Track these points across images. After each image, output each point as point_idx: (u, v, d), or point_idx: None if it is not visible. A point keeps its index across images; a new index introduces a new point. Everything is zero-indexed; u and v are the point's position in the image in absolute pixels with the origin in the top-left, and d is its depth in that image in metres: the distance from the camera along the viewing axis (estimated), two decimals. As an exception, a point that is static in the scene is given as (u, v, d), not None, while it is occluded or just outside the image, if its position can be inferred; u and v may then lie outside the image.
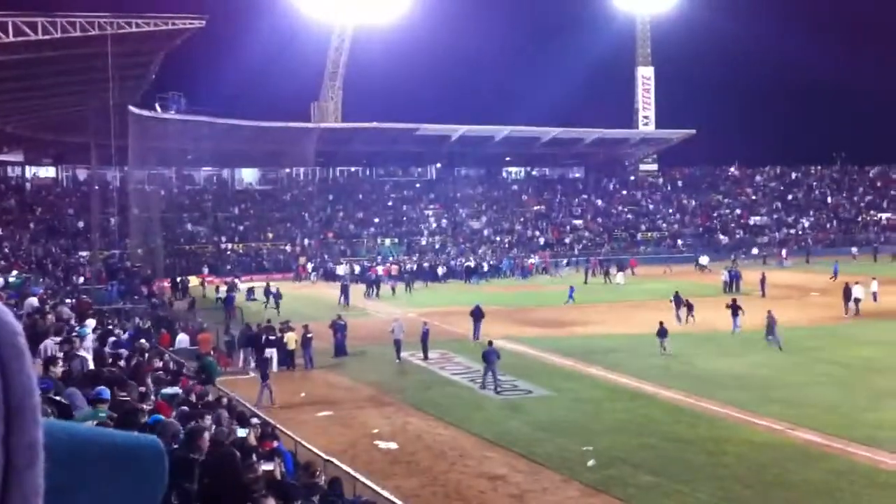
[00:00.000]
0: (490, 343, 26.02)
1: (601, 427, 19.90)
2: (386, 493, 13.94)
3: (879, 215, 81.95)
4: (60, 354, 16.11)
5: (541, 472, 16.63)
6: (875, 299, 39.25)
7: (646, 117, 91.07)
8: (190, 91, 68.96)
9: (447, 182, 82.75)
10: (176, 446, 11.27)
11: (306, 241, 67.18)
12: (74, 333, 19.24)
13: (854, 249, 67.52)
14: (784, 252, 65.53)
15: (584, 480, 15.96)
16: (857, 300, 36.73)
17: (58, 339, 15.98)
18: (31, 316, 20.07)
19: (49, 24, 40.80)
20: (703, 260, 61.74)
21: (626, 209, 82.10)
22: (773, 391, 22.70)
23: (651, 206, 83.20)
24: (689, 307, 35.61)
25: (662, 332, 28.78)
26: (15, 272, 29.35)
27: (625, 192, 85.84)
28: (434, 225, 74.92)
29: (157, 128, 60.99)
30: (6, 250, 38.72)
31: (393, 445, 18.82)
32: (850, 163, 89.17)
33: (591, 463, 16.89)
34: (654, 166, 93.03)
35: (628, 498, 15.00)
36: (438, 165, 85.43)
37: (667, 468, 16.56)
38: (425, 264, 60.19)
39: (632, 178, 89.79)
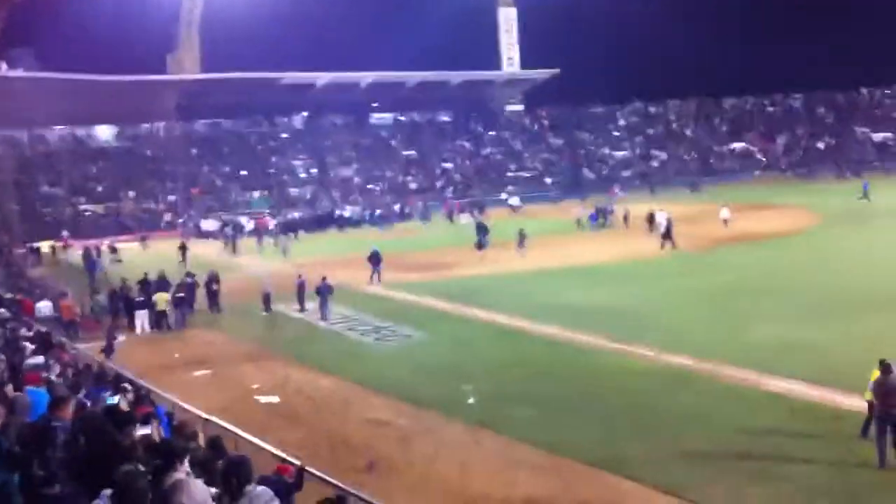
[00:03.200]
0: (324, 279, 27.60)
1: (480, 366, 20.19)
2: (269, 447, 13.81)
3: (734, 146, 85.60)
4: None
5: (424, 415, 16.77)
6: (726, 225, 41.64)
7: (510, 58, 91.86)
8: (38, 46, 65.25)
9: (314, 131, 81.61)
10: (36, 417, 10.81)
11: (171, 198, 65.11)
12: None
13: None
14: (616, 188, 67.38)
15: (467, 419, 16.20)
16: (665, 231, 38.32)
17: None
18: None
19: None
20: (514, 201, 63.25)
21: (494, 151, 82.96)
22: (643, 320, 23.48)
23: (519, 147, 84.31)
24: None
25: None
26: None
27: (493, 134, 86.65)
28: (303, 175, 73.85)
29: (3, 86, 57.61)
30: None
31: (274, 399, 18.62)
32: (708, 95, 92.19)
33: (471, 401, 17.15)
34: (521, 107, 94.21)
35: (510, 431, 15.31)
36: (305, 114, 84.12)
37: (546, 401, 16.96)
38: (296, 215, 59.48)
39: (499, 119, 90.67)
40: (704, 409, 15.79)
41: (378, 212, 61.77)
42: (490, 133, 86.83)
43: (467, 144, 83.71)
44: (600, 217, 48.54)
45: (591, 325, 23.11)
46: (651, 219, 41.28)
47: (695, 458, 13.38)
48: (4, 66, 61.82)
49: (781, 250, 35.53)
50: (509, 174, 77.86)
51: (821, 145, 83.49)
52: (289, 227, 53.59)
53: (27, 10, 50.94)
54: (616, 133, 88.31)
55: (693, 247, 37.45)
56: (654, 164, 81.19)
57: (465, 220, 53.84)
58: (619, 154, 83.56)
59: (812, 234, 39.66)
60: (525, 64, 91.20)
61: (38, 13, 58.49)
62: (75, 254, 43.04)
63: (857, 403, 13.88)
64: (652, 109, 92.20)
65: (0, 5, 45.80)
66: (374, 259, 33.70)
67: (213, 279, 30.55)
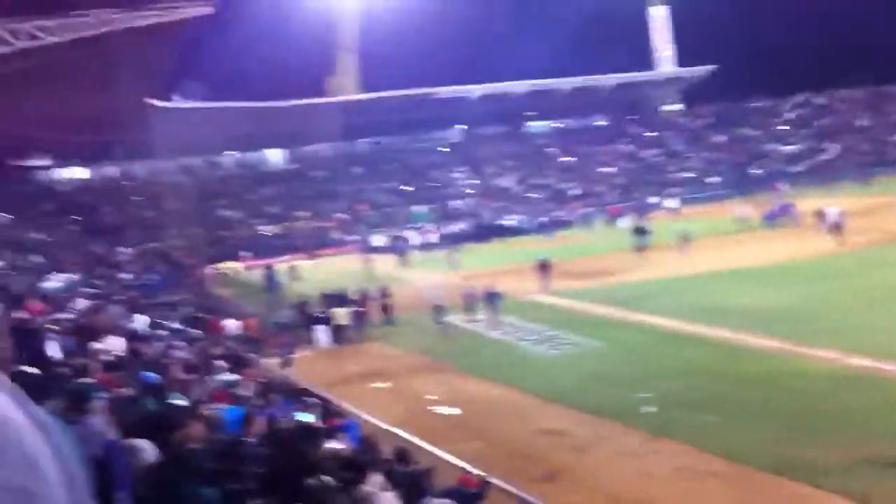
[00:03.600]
0: (492, 288, 28.71)
1: (653, 372, 19.96)
2: (450, 458, 14.18)
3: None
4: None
5: (599, 424, 16.77)
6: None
7: (664, 58, 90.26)
8: (205, 78, 69.31)
9: (471, 143, 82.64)
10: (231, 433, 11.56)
11: (339, 216, 67.45)
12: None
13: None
14: (780, 184, 64.40)
15: (644, 427, 16.09)
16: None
17: (119, 337, 16.44)
18: (84, 316, 20.53)
19: (58, 27, 41.16)
20: (672, 203, 61.48)
21: (654, 152, 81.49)
22: (818, 321, 22.57)
23: (679, 147, 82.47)
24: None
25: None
26: (63, 275, 29.89)
27: (651, 135, 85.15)
28: (463, 187, 74.90)
29: (178, 117, 61.51)
30: (50, 254, 39.33)
31: (450, 410, 19.06)
32: (879, 82, 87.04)
33: (647, 408, 17.02)
34: (679, 106, 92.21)
35: (690, 440, 15.10)
36: (461, 127, 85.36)
37: (723, 408, 16.62)
38: (459, 227, 60.46)
39: (657, 120, 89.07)
40: (890, 413, 15.10)
41: (539, 220, 61.90)
42: (648, 134, 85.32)
43: (625, 147, 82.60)
44: (782, 215, 46.50)
45: (765, 327, 22.42)
46: (821, 215, 39.42)
47: (880, 465, 12.82)
48: (179, 98, 65.90)
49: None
50: (670, 175, 76.20)
51: None
52: (454, 239, 54.48)
53: (194, 45, 54.20)
54: (781, 127, 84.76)
55: (868, 243, 35.59)
56: (824, 157, 77.40)
57: (626, 224, 53.16)
58: (786, 149, 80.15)
59: None
60: (680, 62, 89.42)
61: (205, 47, 61.99)
62: (255, 274, 45.33)
63: None
64: (818, 101, 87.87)
65: (171, 42, 48.89)
66: (542, 267, 33.89)
67: (386, 293, 31.60)
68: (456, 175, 77.21)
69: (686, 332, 23.85)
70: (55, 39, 40.68)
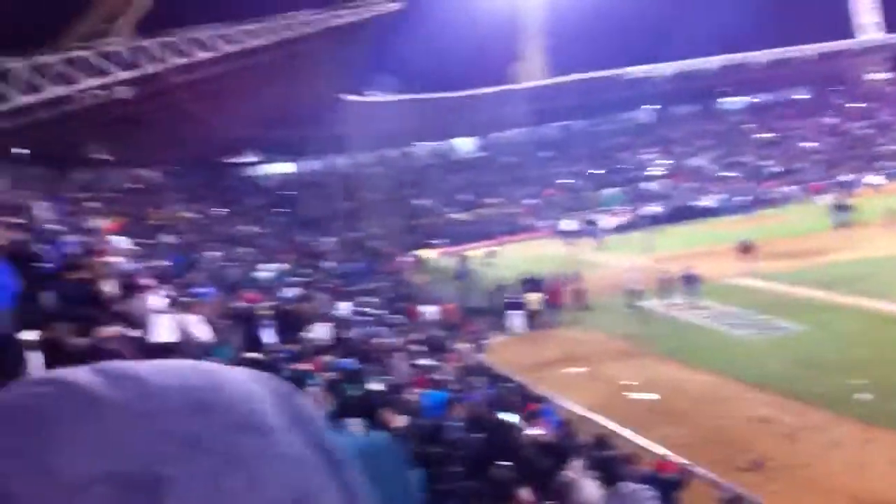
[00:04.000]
0: (689, 270, 28.43)
1: (866, 358, 18.82)
2: (648, 444, 14.01)
3: None
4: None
5: (809, 411, 16.02)
6: None
7: (870, 24, 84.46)
8: (396, 71, 71.49)
9: (662, 123, 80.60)
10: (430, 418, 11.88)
11: (528, 201, 67.62)
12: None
13: None
14: None
15: (860, 416, 15.23)
16: None
17: (325, 324, 17.33)
18: (293, 304, 21.72)
19: (262, 30, 43.60)
20: (876, 179, 56.34)
21: (859, 125, 76.43)
22: None
23: (887, 118, 76.88)
24: None
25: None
26: (273, 265, 31.68)
27: (856, 107, 79.88)
28: (655, 168, 73.17)
29: (375, 111, 63.74)
30: (260, 245, 41.74)
31: (650, 396, 18.76)
32: None
33: (862, 396, 16.09)
34: (889, 75, 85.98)
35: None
36: (651, 107, 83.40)
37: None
38: (653, 209, 59.15)
39: (862, 91, 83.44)
40: None
41: (737, 200, 59.56)
42: (853, 106, 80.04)
43: (828, 121, 77.90)
44: None
45: None
46: None
47: None
48: (372, 92, 68.24)
49: None
50: (878, 149, 71.23)
51: None
52: (647, 222, 53.42)
53: (385, 39, 55.96)
54: None
55: None
56: None
57: (828, 201, 50.22)
58: None
59: None
60: (889, 28, 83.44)
61: (395, 41, 63.73)
62: (449, 260, 46.31)
63: None
64: None
65: (364, 39, 50.72)
66: (743, 249, 32.68)
67: (579, 277, 31.48)
68: (647, 156, 75.51)
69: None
70: (259, 42, 43.10)
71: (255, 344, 14.87)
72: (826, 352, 20.03)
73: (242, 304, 18.57)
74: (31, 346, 7.72)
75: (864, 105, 79.85)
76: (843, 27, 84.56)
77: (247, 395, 0.72)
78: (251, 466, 0.66)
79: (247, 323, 15.87)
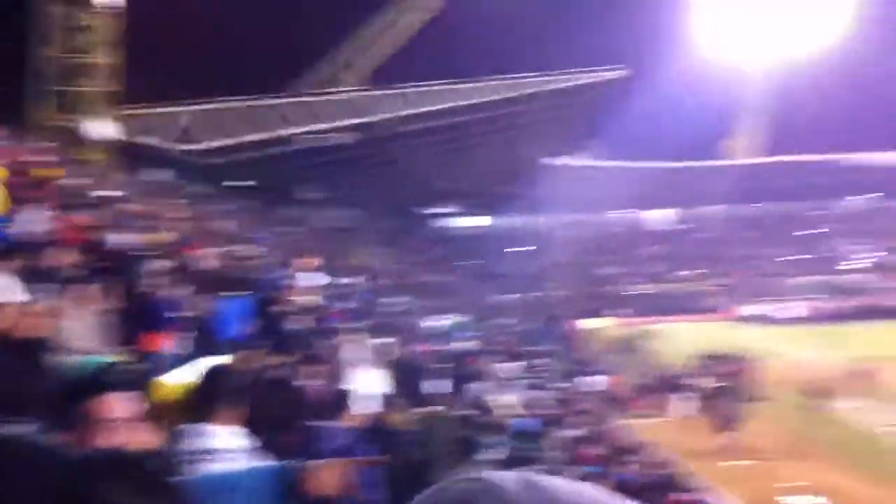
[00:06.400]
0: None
1: None
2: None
3: None
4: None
5: None
6: None
7: None
8: (607, 137, 71.90)
9: (878, 214, 76.25)
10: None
11: (718, 281, 65.69)
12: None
13: None
14: None
15: None
16: None
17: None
18: (460, 359, 22.15)
19: (483, 88, 45.30)
20: None
21: None
22: None
23: None
24: None
25: None
26: (452, 316, 32.43)
27: None
28: (862, 261, 69.19)
29: (576, 175, 64.42)
30: (442, 295, 42.83)
31: (813, 500, 17.87)
32: None
33: None
34: None
35: None
36: (870, 196, 79.26)
37: None
38: (852, 303, 56.04)
39: None
40: None
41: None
42: None
43: None
44: None
45: None
46: None
47: None
48: (585, 156, 68.88)
49: None
50: None
51: None
52: (841, 316, 50.70)
53: (604, 105, 56.48)
54: None
55: None
56: None
57: None
58: None
59: None
60: None
61: (611, 109, 64.06)
62: (628, 332, 45.72)
63: None
64: None
65: (584, 103, 51.33)
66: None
67: (756, 364, 30.29)
68: (850, 247, 71.61)
69: None
70: (480, 99, 44.80)
71: (418, 394, 15.36)
72: None
73: (411, 353, 19.18)
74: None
75: None
76: None
77: None
78: None
79: (412, 373, 16.40)
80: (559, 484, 0.86)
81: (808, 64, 76.80)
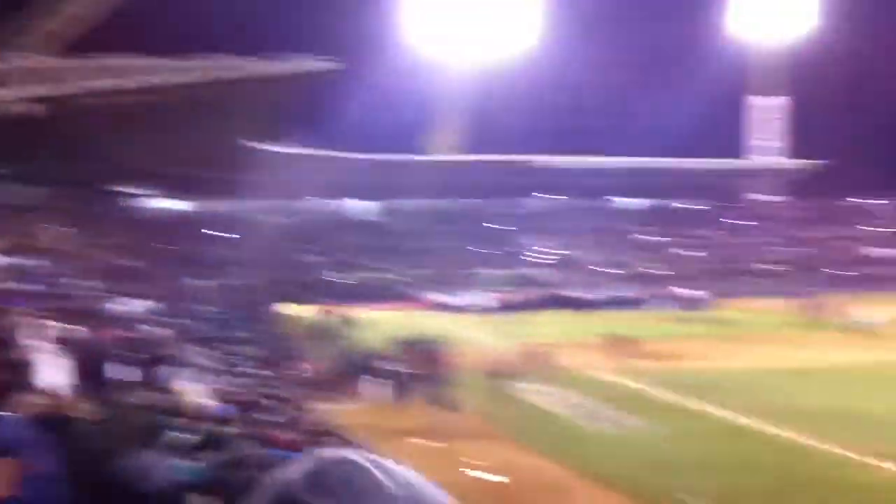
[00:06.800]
0: (550, 357, 29.37)
1: (710, 465, 19.53)
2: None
3: None
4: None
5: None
6: None
7: (766, 147, 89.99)
8: (312, 126, 71.79)
9: (558, 213, 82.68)
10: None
11: (413, 271, 68.04)
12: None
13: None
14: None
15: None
16: None
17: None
18: (150, 344, 21.16)
19: (184, 67, 43.20)
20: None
21: (742, 242, 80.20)
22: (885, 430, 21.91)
23: (772, 240, 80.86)
24: None
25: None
26: (145, 301, 30.91)
27: (743, 224, 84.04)
28: (542, 256, 74.87)
29: (278, 161, 63.60)
30: (131, 278, 40.65)
31: (497, 479, 18.88)
32: None
33: (698, 501, 16.62)
34: (778, 198, 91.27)
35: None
36: (551, 196, 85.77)
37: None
38: (532, 294, 60.46)
39: (752, 210, 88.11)
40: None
41: (614, 296, 61.32)
42: (739, 223, 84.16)
43: (713, 234, 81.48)
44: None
45: (835, 432, 21.76)
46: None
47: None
48: (291, 144, 68.18)
49: None
50: (756, 266, 74.75)
51: None
52: (524, 306, 54.53)
53: (309, 93, 56.19)
54: (884, 229, 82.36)
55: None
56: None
57: (701, 309, 52.53)
58: (880, 252, 77.64)
59: None
60: (789, 153, 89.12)
61: (320, 97, 63.94)
62: (324, 318, 45.98)
63: None
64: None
65: (285, 91, 50.66)
66: (613, 344, 33.71)
67: (447, 351, 31.62)
68: (535, 243, 77.25)
69: (748, 428, 23.35)
70: (181, 79, 42.63)
71: (98, 378, 14.40)
72: (669, 453, 20.65)
73: (98, 338, 18.07)
74: None
75: (747, 223, 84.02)
76: (739, 148, 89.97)
77: None
78: None
79: (93, 356, 15.37)
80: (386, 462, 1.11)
81: (507, 67, 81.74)
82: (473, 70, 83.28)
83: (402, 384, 28.82)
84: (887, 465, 18.96)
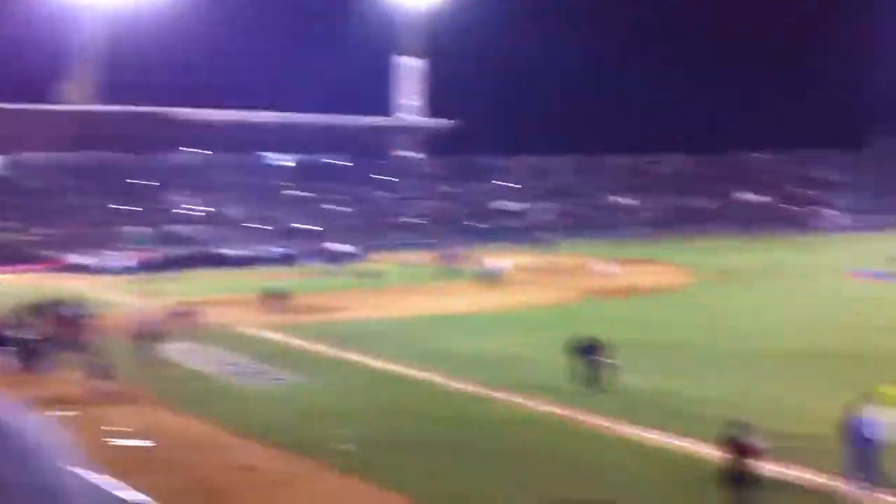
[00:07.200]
0: (193, 315, 29.68)
1: (358, 411, 20.01)
2: (136, 495, 13.40)
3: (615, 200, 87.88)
4: None
5: (296, 461, 16.45)
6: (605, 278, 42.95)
7: (412, 106, 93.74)
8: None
9: (206, 169, 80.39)
10: None
11: (48, 231, 62.73)
12: None
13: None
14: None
15: (341, 465, 15.96)
16: None
17: None
18: None
19: None
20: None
21: (386, 196, 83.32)
22: (521, 369, 23.90)
23: (411, 194, 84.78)
24: None
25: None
26: None
27: (387, 180, 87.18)
28: (192, 212, 72.43)
29: None
30: None
31: (142, 443, 17.93)
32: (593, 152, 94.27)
33: (344, 447, 16.90)
34: (420, 155, 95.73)
35: (382, 479, 15.18)
36: (197, 151, 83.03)
37: (422, 449, 16.93)
38: (180, 252, 58.30)
39: (394, 166, 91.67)
40: (571, 456, 16.21)
41: (266, 252, 60.89)
42: (384, 179, 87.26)
43: (360, 189, 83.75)
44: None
45: (474, 373, 23.33)
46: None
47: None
48: None
49: (656, 304, 37.09)
50: (401, 220, 78.05)
51: (702, 204, 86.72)
52: (171, 264, 52.53)
53: None
54: (508, 185, 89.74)
55: (565, 299, 38.73)
56: (544, 216, 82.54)
57: (351, 263, 54.02)
58: (510, 205, 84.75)
59: (687, 292, 41.53)
60: (428, 113, 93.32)
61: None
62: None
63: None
64: (541, 163, 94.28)
65: None
66: (264, 300, 33.52)
67: (85, 315, 29.49)
68: (183, 199, 74.47)
69: (396, 374, 24.30)
70: None
71: None
72: (321, 403, 20.90)
73: None
74: None
75: (391, 178, 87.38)
76: (386, 105, 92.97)
77: None
78: None
79: None
80: None
81: (145, 14, 76.97)
82: (108, 15, 77.43)
83: (32, 352, 26.35)
84: (517, 399, 20.62)
